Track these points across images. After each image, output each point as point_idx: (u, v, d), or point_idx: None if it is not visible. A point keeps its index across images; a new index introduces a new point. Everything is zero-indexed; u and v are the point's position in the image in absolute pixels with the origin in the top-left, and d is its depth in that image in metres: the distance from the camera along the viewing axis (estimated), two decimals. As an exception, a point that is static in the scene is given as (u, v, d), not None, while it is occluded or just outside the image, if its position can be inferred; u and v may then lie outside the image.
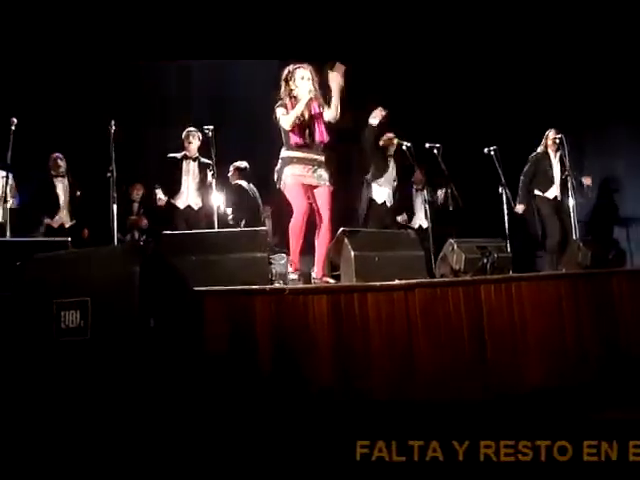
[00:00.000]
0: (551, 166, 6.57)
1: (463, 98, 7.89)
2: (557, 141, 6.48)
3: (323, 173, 4.40)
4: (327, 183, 4.42)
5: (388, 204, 6.81)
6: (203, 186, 6.19)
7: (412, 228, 6.97)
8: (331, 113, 4.38)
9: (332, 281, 4.34)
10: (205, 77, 8.17)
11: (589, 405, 3.47)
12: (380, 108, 6.27)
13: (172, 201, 6.21)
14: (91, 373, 2.55)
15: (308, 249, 4.52)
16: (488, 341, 4.00)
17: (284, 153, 4.40)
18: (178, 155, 6.27)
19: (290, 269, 4.42)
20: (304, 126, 4.34)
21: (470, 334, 3.96)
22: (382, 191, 6.78)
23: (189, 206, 6.24)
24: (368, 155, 6.73)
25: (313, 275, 4.40)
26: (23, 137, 5.65)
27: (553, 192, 6.58)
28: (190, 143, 6.23)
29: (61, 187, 6.41)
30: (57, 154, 6.43)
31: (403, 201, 7.13)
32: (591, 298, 4.49)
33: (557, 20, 7.45)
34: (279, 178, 4.40)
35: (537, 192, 6.59)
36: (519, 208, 6.54)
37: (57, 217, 6.34)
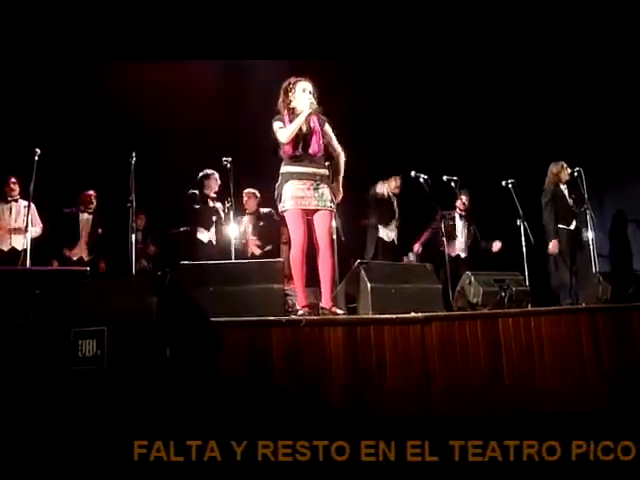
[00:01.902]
0: (564, 198, 6.52)
1: (482, 131, 7.92)
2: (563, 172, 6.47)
3: (326, 191, 4.21)
4: (328, 205, 4.22)
5: (396, 242, 6.95)
6: (219, 223, 6.30)
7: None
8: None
9: (340, 312, 4.20)
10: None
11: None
12: (395, 178, 6.55)
13: (196, 235, 6.32)
14: (107, 402, 2.55)
15: (312, 280, 4.43)
16: (506, 376, 3.94)
17: (283, 168, 4.22)
18: (197, 192, 6.38)
19: (297, 307, 4.25)
20: (300, 138, 4.17)
21: (487, 368, 3.91)
22: (389, 231, 6.92)
23: (210, 241, 6.34)
24: (372, 207, 6.87)
25: (321, 305, 4.25)
26: (45, 167, 5.75)
27: (572, 225, 6.53)
28: (210, 184, 6.35)
29: (85, 222, 6.49)
30: (91, 192, 6.53)
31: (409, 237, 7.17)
32: (611, 333, 4.41)
33: (580, 55, 7.49)
34: (279, 196, 4.22)
35: (561, 226, 6.48)
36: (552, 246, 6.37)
37: (76, 250, 6.41)
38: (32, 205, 5.89)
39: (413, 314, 3.88)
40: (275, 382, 3.25)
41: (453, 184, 6.37)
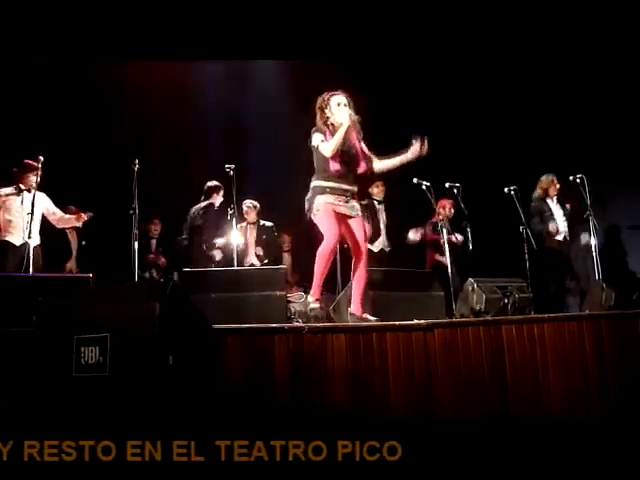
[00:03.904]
0: (550, 209, 6.62)
1: (484, 138, 7.93)
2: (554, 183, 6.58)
3: (355, 204, 4.24)
4: (360, 214, 4.28)
5: (386, 250, 6.81)
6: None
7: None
8: (378, 166, 4.29)
9: (373, 318, 4.15)
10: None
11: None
12: (377, 184, 6.67)
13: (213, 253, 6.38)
14: (109, 409, 2.54)
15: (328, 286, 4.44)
16: (510, 383, 3.93)
17: (316, 182, 4.19)
18: (203, 204, 6.42)
19: (311, 299, 4.21)
20: (343, 155, 4.13)
21: (491, 375, 3.89)
22: (378, 239, 6.77)
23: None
24: None
25: (350, 311, 4.22)
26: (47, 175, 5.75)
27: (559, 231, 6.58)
28: (217, 196, 6.40)
29: (71, 235, 6.50)
30: (71, 207, 6.52)
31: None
32: (615, 339, 4.39)
33: (582, 62, 7.50)
34: (310, 207, 4.19)
35: (551, 229, 6.60)
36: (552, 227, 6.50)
37: (69, 263, 6.41)
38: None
39: (416, 321, 3.87)
40: (277, 389, 3.24)
41: (455, 191, 6.36)
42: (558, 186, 6.61)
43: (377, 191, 6.85)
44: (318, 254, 4.14)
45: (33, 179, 5.40)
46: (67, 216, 5.76)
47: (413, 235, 6.84)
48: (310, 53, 7.80)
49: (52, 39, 7.07)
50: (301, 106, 4.72)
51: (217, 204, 6.48)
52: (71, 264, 6.45)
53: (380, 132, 4.44)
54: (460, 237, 6.76)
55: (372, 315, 4.22)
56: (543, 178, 6.67)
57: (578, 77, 7.59)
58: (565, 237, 6.64)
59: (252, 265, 6.55)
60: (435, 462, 2.61)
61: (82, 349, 2.62)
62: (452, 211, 6.81)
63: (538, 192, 6.70)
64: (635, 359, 4.40)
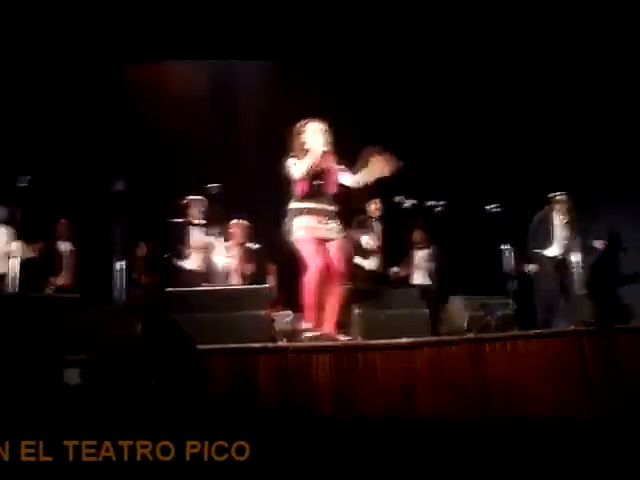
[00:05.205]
0: (552, 226, 6.65)
1: (467, 157, 8.00)
2: (560, 202, 6.57)
3: (335, 226, 4.32)
4: (339, 236, 4.35)
5: (378, 270, 6.66)
6: (205, 250, 6.26)
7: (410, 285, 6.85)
8: (354, 181, 4.36)
9: (345, 338, 4.18)
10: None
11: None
12: (375, 201, 6.51)
13: (179, 263, 6.24)
14: (90, 432, 2.51)
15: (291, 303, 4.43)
16: (493, 399, 3.94)
17: (293, 205, 4.30)
18: (181, 220, 6.33)
19: (307, 326, 4.17)
20: (314, 176, 4.25)
21: (475, 391, 3.90)
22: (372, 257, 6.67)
23: (194, 268, 6.27)
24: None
25: (324, 331, 4.18)
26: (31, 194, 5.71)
27: (552, 252, 6.63)
28: (192, 210, 6.32)
29: (65, 251, 6.45)
30: (62, 220, 6.50)
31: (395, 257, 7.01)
32: (598, 355, 4.43)
33: (565, 82, 7.60)
34: (289, 230, 4.27)
35: (536, 250, 6.64)
36: (531, 268, 6.52)
37: (59, 279, 6.35)
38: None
39: (404, 339, 3.88)
40: (261, 409, 3.22)
41: (438, 209, 6.39)
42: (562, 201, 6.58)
43: (374, 208, 6.78)
44: (305, 285, 4.17)
45: None
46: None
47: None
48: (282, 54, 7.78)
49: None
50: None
51: (196, 220, 6.36)
52: (64, 279, 6.38)
53: (356, 149, 4.46)
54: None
55: (360, 334, 4.24)
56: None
57: (558, 96, 7.70)
58: (556, 256, 6.65)
59: (241, 284, 6.49)
60: (284, 461, 2.63)
61: (63, 370, 2.60)
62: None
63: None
64: (617, 374, 4.44)
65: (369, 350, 3.71)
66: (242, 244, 6.74)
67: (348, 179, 4.38)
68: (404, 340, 3.87)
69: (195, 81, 8.29)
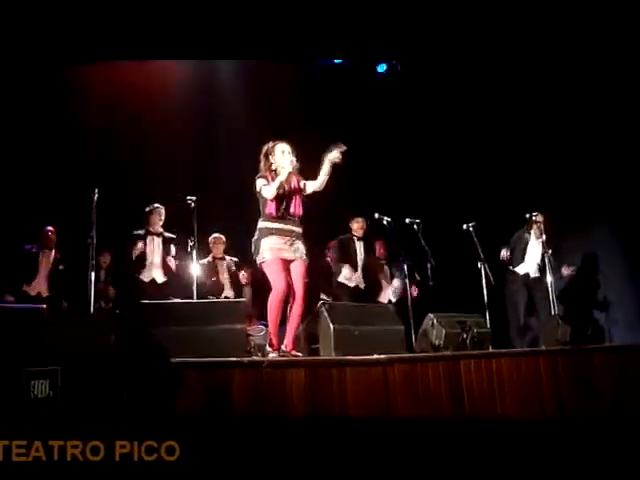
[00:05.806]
0: (526, 245, 6.74)
1: (443, 175, 8.05)
2: (537, 222, 6.68)
3: (300, 246, 4.43)
4: (303, 257, 4.44)
5: (361, 286, 6.72)
6: (167, 261, 6.17)
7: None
8: (316, 185, 4.46)
9: (300, 354, 4.31)
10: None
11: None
12: (357, 220, 6.71)
13: (138, 275, 6.15)
14: (20, 431, 2.45)
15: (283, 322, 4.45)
16: (468, 415, 3.93)
17: (262, 224, 4.41)
18: (141, 231, 6.24)
19: (269, 348, 4.32)
20: (282, 198, 4.38)
21: (450, 409, 3.90)
22: (353, 274, 6.71)
23: (153, 279, 6.19)
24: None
25: (282, 348, 4.30)
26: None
27: (524, 269, 6.70)
28: (154, 219, 6.24)
29: (45, 258, 6.34)
30: (50, 228, 6.39)
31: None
32: (571, 374, 4.46)
33: (542, 100, 7.69)
34: (257, 250, 4.38)
35: (510, 268, 6.76)
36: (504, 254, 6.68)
37: (34, 285, 6.23)
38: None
39: (376, 356, 3.86)
40: (235, 423, 3.17)
41: (415, 227, 6.41)
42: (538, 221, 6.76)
43: (356, 227, 6.83)
44: (269, 305, 4.29)
45: None
46: None
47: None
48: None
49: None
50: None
51: (157, 229, 6.26)
52: (38, 285, 6.25)
53: (341, 166, 4.47)
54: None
55: (334, 349, 4.27)
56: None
57: (535, 114, 7.78)
58: (527, 274, 6.75)
59: (227, 298, 6.42)
60: (215, 461, 2.62)
61: (32, 382, 2.53)
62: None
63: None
64: (590, 392, 4.47)
65: (343, 366, 3.69)
66: (221, 258, 6.70)
67: (313, 185, 4.49)
68: (375, 356, 3.87)
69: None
